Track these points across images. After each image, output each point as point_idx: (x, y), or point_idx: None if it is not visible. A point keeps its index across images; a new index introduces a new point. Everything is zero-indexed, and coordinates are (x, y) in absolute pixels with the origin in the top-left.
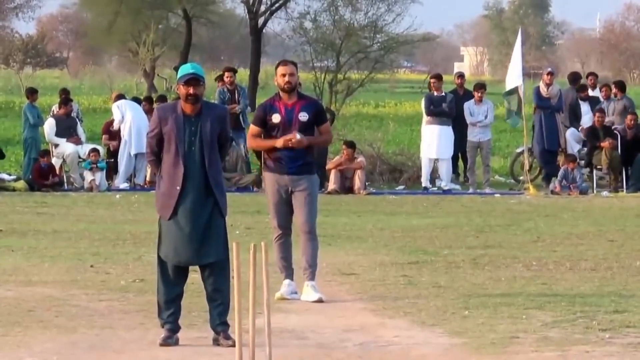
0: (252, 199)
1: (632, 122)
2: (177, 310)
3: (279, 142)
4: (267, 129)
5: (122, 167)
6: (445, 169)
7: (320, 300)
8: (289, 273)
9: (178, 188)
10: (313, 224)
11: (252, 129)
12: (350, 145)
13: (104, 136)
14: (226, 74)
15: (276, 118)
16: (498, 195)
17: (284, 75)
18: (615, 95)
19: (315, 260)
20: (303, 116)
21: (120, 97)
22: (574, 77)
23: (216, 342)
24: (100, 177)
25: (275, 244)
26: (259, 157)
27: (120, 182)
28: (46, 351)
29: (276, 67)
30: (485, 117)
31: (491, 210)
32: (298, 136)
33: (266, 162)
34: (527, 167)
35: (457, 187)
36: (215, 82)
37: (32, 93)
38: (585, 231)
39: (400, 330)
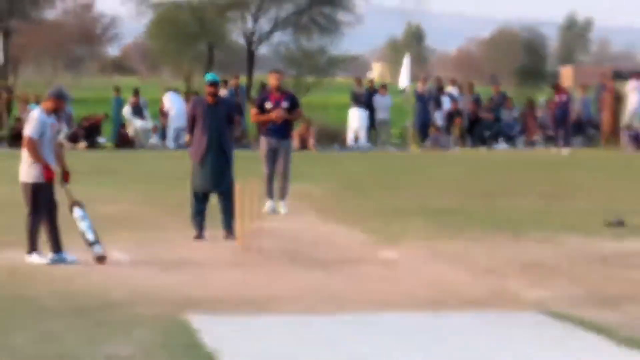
0: (250, 153)
1: (474, 108)
2: (202, 219)
3: (272, 116)
4: (263, 111)
5: (169, 135)
6: (363, 135)
7: (288, 213)
8: (270, 197)
9: (204, 148)
10: (288, 169)
11: (254, 110)
12: (307, 121)
13: (160, 116)
14: (232, 80)
15: (268, 105)
16: (395, 150)
17: (275, 77)
18: (466, 92)
19: (287, 190)
20: (285, 104)
21: (169, 90)
22: (438, 81)
23: (225, 237)
24: (156, 140)
25: (264, 181)
26: (259, 128)
27: (169, 143)
28: (128, 244)
29: (269, 73)
30: (387, 104)
31: (392, 159)
32: (281, 113)
33: (262, 130)
34: (411, 133)
35: (370, 145)
36: (224, 84)
37: (117, 90)
38: (443, 170)
39: (334, 228)
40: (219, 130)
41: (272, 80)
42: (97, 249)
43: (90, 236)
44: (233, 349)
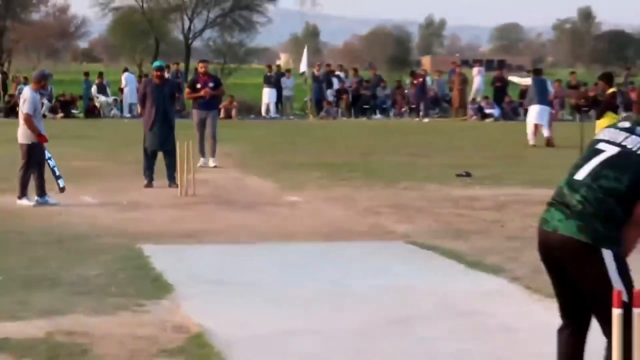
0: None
1: (356, 87)
2: (151, 172)
3: (201, 93)
4: (194, 90)
5: (126, 107)
6: (272, 108)
7: (215, 167)
8: (202, 155)
9: (152, 117)
10: (215, 133)
11: (187, 89)
12: (230, 97)
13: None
14: (174, 66)
15: (198, 85)
16: (297, 119)
17: (202, 66)
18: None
19: (215, 149)
20: (211, 84)
21: (125, 70)
22: (329, 67)
23: (169, 186)
24: (116, 111)
25: (198, 143)
26: (192, 103)
27: (125, 114)
28: (94, 190)
29: (199, 62)
30: (290, 84)
31: (295, 126)
32: (208, 91)
33: (194, 104)
34: (309, 107)
35: (278, 115)
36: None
37: (86, 74)
38: (334, 134)
39: (251, 179)
40: (164, 104)
41: (200, 67)
42: (61, 182)
43: (57, 171)
44: (175, 269)
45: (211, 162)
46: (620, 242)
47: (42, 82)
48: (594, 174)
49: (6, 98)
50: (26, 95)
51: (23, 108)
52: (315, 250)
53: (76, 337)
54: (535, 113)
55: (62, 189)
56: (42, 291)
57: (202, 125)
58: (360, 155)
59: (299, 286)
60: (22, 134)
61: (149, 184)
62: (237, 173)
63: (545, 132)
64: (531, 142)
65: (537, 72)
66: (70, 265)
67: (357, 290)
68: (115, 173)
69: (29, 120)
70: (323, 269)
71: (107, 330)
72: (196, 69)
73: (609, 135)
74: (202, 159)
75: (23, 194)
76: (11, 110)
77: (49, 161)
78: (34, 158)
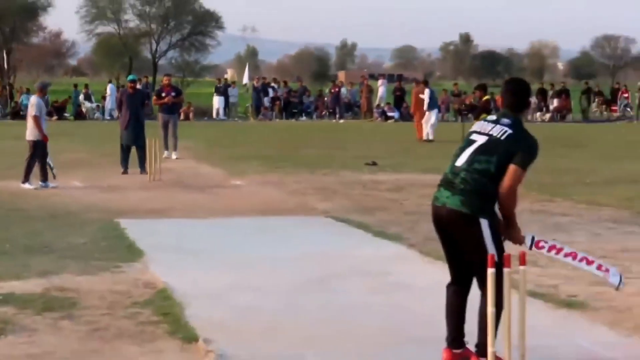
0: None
1: (287, 96)
2: (126, 162)
3: (165, 100)
4: (160, 97)
5: (107, 112)
6: (222, 112)
7: (177, 158)
8: (166, 148)
9: (127, 119)
10: (176, 132)
11: (154, 97)
12: (189, 103)
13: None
14: (144, 79)
15: (163, 94)
16: (240, 121)
17: (166, 79)
18: (282, 86)
19: (176, 144)
20: (173, 94)
21: (110, 82)
22: (265, 80)
23: (140, 173)
24: (99, 115)
25: (162, 139)
26: (158, 108)
27: (106, 117)
28: (82, 177)
29: (163, 76)
30: (235, 93)
31: (239, 126)
32: (170, 99)
33: (160, 109)
34: (250, 111)
35: (226, 118)
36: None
37: (75, 86)
38: (269, 133)
39: (205, 168)
40: (136, 109)
41: (165, 80)
42: (55, 172)
43: (51, 163)
44: (145, 239)
45: (173, 155)
46: (494, 214)
47: (44, 91)
48: (470, 160)
49: (12, 104)
50: (33, 102)
51: (31, 111)
52: (254, 223)
53: (67, 292)
54: (432, 116)
55: (55, 177)
56: (39, 256)
57: (166, 125)
58: (290, 149)
59: (242, 252)
60: (30, 132)
61: (125, 172)
62: (193, 163)
63: (430, 132)
64: (425, 138)
65: (426, 84)
66: (63, 235)
67: (287, 255)
68: (98, 163)
69: (35, 120)
70: (260, 238)
71: (91, 286)
72: (162, 81)
73: (479, 127)
74: (166, 152)
75: (26, 179)
76: (16, 115)
77: (49, 157)
78: (37, 152)
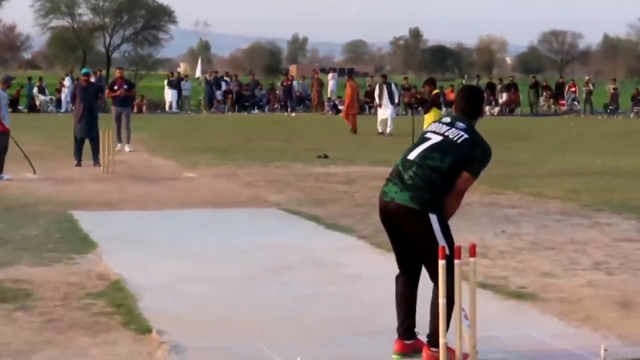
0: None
1: (239, 89)
2: (80, 154)
3: (117, 93)
4: (112, 90)
5: (65, 104)
6: (174, 105)
7: (130, 151)
8: (120, 141)
9: (80, 112)
10: (129, 125)
11: (107, 90)
12: (142, 96)
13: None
14: (98, 72)
15: (116, 87)
16: (192, 114)
17: (118, 72)
18: (234, 80)
19: (129, 137)
20: (125, 87)
21: (67, 75)
22: (217, 74)
23: (94, 165)
24: (53, 107)
25: (115, 132)
26: (111, 101)
27: (62, 110)
28: (36, 168)
29: (116, 69)
30: (188, 86)
31: (191, 119)
32: (122, 92)
33: (113, 101)
34: (203, 104)
35: (179, 111)
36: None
37: (29, 79)
38: (221, 125)
39: (158, 161)
40: (90, 102)
41: (117, 73)
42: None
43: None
44: (99, 230)
45: (127, 147)
46: (442, 208)
47: (7, 84)
48: (423, 156)
49: None
50: None
51: None
52: (207, 215)
53: (21, 284)
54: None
55: (34, 170)
56: None
57: (119, 118)
58: (242, 141)
59: (195, 243)
60: None
61: (78, 164)
62: (146, 155)
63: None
64: (379, 131)
65: (385, 78)
66: (16, 227)
67: (240, 246)
68: (52, 155)
69: None
70: (213, 230)
71: (45, 278)
72: (114, 75)
73: (435, 127)
74: (119, 144)
75: None
76: None
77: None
78: None
